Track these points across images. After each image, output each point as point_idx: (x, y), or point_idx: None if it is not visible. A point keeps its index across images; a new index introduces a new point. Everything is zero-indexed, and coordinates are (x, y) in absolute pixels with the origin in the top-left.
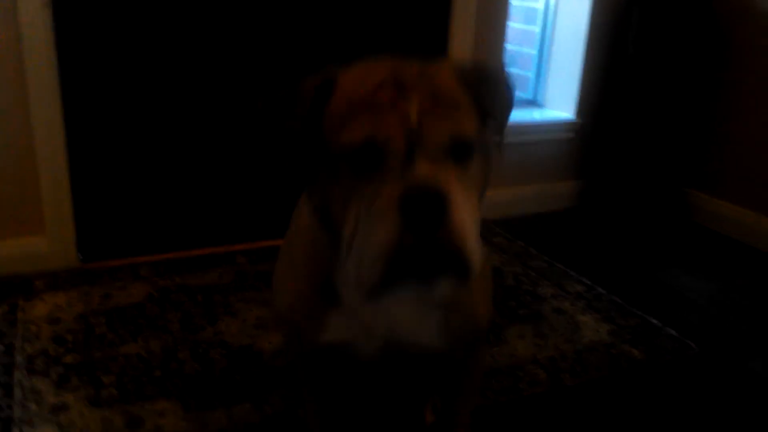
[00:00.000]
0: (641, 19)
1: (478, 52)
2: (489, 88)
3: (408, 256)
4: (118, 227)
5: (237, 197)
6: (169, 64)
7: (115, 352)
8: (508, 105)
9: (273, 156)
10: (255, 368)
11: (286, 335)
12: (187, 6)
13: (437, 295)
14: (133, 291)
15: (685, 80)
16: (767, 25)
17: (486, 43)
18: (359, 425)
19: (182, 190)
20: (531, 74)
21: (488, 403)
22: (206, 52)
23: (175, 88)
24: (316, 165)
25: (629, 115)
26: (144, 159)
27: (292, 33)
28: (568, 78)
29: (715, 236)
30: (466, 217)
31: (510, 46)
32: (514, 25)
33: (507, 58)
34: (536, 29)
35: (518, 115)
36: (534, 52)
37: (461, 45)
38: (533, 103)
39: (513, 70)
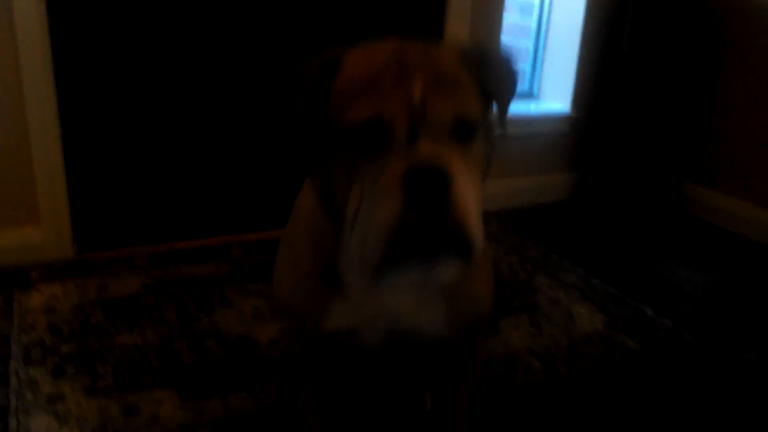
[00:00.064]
0: (637, 11)
1: None
2: (492, 69)
3: (411, 235)
4: (114, 218)
5: (233, 189)
6: (165, 54)
7: (112, 342)
8: (511, 87)
9: (276, 140)
10: (251, 358)
11: (288, 323)
12: None
13: (440, 276)
14: (129, 282)
15: (680, 73)
16: (762, 19)
17: (482, 36)
18: (358, 413)
19: (178, 182)
20: (526, 67)
21: (483, 392)
22: (202, 42)
23: (171, 78)
24: (320, 146)
25: (625, 108)
26: (140, 150)
27: (287, 22)
28: (564, 71)
29: (709, 228)
30: (469, 196)
31: (506, 39)
32: (509, 18)
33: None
34: (532, 22)
35: (514, 108)
36: (529, 45)
37: (457, 38)
38: (529, 95)
39: None
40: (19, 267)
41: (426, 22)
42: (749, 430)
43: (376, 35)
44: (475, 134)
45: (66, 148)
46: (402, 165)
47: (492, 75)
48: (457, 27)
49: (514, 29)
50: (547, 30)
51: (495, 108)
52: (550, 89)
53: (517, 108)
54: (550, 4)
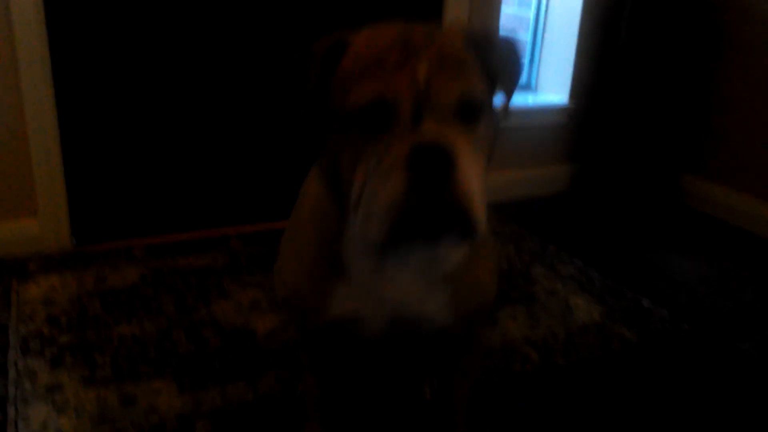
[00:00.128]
0: (634, 3)
1: None
2: (497, 53)
3: (415, 214)
4: (112, 210)
5: (232, 180)
6: (162, 46)
7: (110, 332)
8: (515, 72)
9: (276, 129)
10: (249, 349)
11: (291, 310)
12: None
13: (443, 256)
14: (126, 273)
15: (678, 65)
16: (759, 11)
17: (480, 28)
18: (358, 402)
19: (177, 173)
20: (524, 59)
21: (481, 382)
22: (200, 33)
23: (169, 71)
24: (326, 127)
25: (623, 100)
26: (137, 142)
27: (288, 7)
28: (562, 62)
29: (706, 219)
30: (473, 176)
31: (504, 31)
32: (508, 10)
33: None
34: (530, 14)
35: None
36: (527, 36)
37: (458, 22)
38: (527, 87)
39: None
40: (17, 258)
41: (423, 14)
42: (745, 419)
43: (376, 21)
44: (480, 116)
45: (63, 140)
46: (406, 145)
47: (497, 59)
48: (455, 19)
49: (513, 21)
50: (545, 22)
51: (499, 94)
52: (548, 81)
53: (515, 99)
54: None
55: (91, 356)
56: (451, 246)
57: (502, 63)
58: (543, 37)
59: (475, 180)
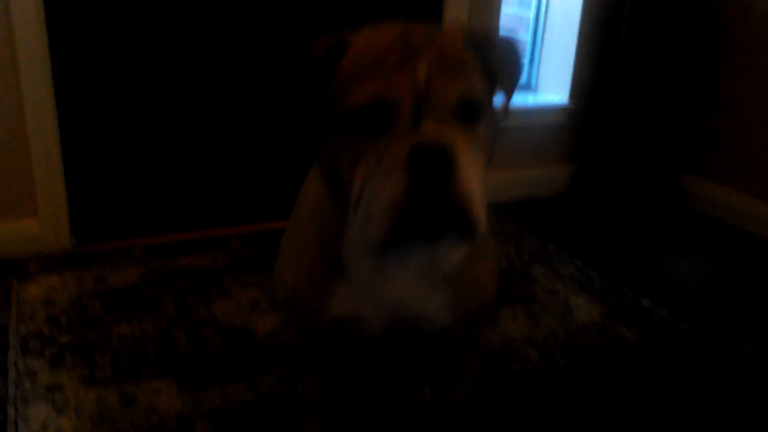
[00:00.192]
0: (634, 3)
1: None
2: (497, 53)
3: (415, 214)
4: (112, 210)
5: (232, 180)
6: (162, 45)
7: (110, 332)
8: (515, 72)
9: (276, 129)
10: (249, 349)
11: (291, 310)
12: None
13: (443, 256)
14: (126, 273)
15: (678, 65)
16: (760, 12)
17: (479, 28)
18: (357, 402)
19: (177, 173)
20: (524, 59)
21: (480, 381)
22: (200, 33)
23: (169, 70)
24: (326, 127)
25: (623, 100)
26: (137, 142)
27: (288, 7)
28: (562, 62)
29: (706, 219)
30: (473, 176)
31: (504, 31)
32: (508, 10)
33: None
34: (530, 14)
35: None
36: (528, 36)
37: (458, 22)
38: (527, 87)
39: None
40: (18, 258)
41: (423, 15)
42: (745, 419)
43: (376, 21)
44: (480, 116)
45: (63, 140)
46: (406, 145)
47: (497, 59)
48: (455, 19)
49: (513, 21)
50: (545, 22)
51: (499, 94)
52: (548, 81)
53: (515, 99)
54: None
55: (91, 356)
56: (451, 246)
57: (502, 63)
58: (543, 37)
59: (475, 180)
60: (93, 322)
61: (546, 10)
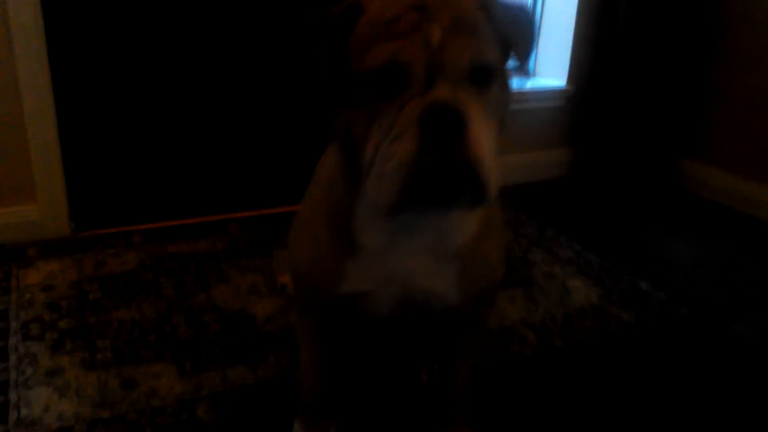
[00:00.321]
0: None
1: None
2: (510, 18)
3: (427, 175)
4: (111, 197)
5: (230, 167)
6: (160, 30)
7: (109, 317)
8: (529, 38)
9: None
10: (248, 333)
11: (301, 287)
12: None
13: (454, 229)
14: (126, 258)
15: (676, 47)
16: None
17: None
18: (354, 383)
19: (175, 159)
20: (536, 25)
21: (479, 363)
22: (200, 19)
23: (168, 55)
24: (340, 91)
25: (621, 83)
26: (136, 128)
27: None
28: (560, 46)
29: (704, 203)
30: (484, 139)
31: None
32: None
33: None
34: None
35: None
36: None
37: None
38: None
39: None
40: (17, 244)
41: None
42: (741, 401)
43: None
44: (492, 80)
45: (61, 126)
46: (419, 106)
47: (510, 24)
48: None
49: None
50: (543, 4)
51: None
52: (546, 64)
53: (513, 83)
54: None
55: (91, 340)
56: (462, 211)
57: (515, 28)
58: (541, 19)
59: (487, 143)
60: (93, 307)
61: None
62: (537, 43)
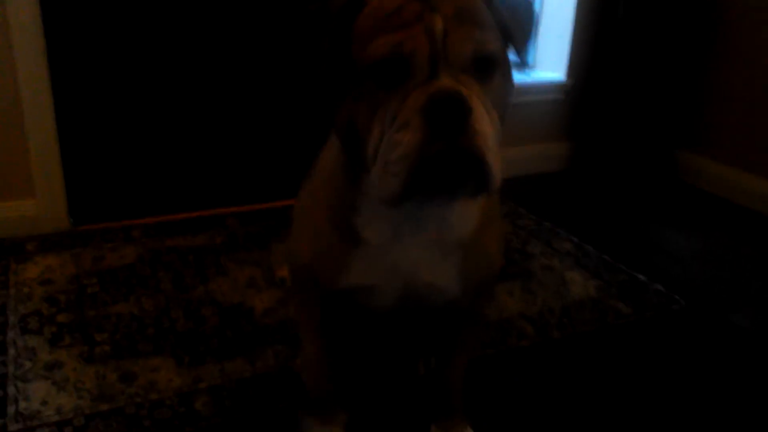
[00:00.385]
0: None
1: None
2: (510, 8)
3: (431, 163)
4: (109, 190)
5: (228, 161)
6: (158, 23)
7: (108, 311)
8: (526, 30)
9: (276, 105)
10: (247, 326)
11: (301, 280)
12: None
13: (456, 220)
14: (124, 253)
15: (675, 40)
16: None
17: None
18: (353, 375)
19: (173, 154)
20: (536, 15)
21: (476, 355)
22: (199, 13)
23: (166, 50)
24: (343, 83)
25: (620, 76)
26: (134, 122)
27: None
28: (559, 39)
29: (702, 195)
30: (488, 128)
31: None
32: None
33: None
34: None
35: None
36: None
37: None
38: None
39: None
40: (15, 239)
41: None
42: (739, 392)
43: None
44: (495, 69)
45: (60, 121)
46: (423, 95)
47: (510, 14)
48: None
49: None
50: None
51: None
52: (545, 57)
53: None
54: None
55: (89, 334)
56: (466, 199)
57: (513, 17)
58: (540, 13)
59: (490, 131)
60: (91, 301)
61: None
62: (535, 35)
